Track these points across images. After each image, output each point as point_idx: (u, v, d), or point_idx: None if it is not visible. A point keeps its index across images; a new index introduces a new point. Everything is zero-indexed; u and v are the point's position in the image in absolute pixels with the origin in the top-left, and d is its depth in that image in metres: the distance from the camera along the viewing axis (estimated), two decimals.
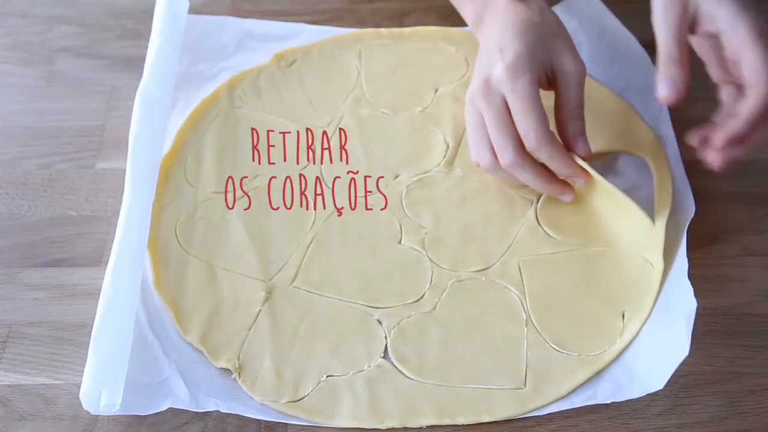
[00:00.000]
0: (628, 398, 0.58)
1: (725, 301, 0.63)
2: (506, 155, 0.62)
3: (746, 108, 0.59)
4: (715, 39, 0.61)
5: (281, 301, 0.63)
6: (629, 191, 0.65)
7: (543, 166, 0.64)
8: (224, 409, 0.57)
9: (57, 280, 0.65)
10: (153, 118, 0.69)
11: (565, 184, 0.65)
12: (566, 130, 0.64)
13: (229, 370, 0.59)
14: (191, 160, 0.71)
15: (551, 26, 0.65)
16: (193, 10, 0.78)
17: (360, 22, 0.81)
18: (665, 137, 0.71)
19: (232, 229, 0.66)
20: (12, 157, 0.72)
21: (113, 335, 0.58)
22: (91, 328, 0.58)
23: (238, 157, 0.71)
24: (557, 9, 0.80)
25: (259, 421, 0.57)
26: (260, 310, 0.62)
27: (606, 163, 0.70)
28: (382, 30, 0.80)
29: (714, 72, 0.64)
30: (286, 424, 0.58)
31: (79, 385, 0.57)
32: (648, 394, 0.58)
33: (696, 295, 0.58)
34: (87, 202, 0.69)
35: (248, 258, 0.65)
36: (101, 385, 0.56)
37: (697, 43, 0.64)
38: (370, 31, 0.80)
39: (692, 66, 0.75)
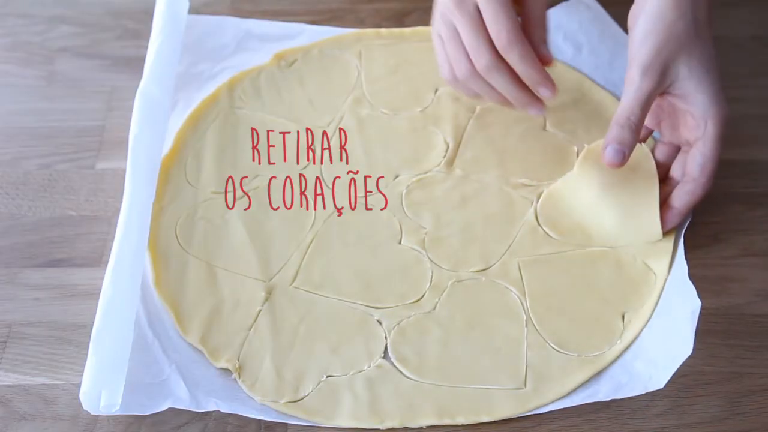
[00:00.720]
0: (628, 395, 0.58)
1: (725, 301, 0.63)
2: (483, 59, 0.63)
3: (681, 204, 0.64)
4: (674, 105, 0.64)
5: (281, 301, 0.63)
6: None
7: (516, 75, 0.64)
8: (224, 409, 0.57)
9: (57, 280, 0.65)
10: (153, 118, 0.69)
11: (535, 95, 0.65)
12: (531, 37, 0.65)
13: (229, 370, 0.60)
14: (191, 160, 0.71)
15: None
16: (193, 10, 0.78)
17: (360, 22, 0.81)
18: None
19: (232, 229, 0.66)
20: (12, 157, 0.72)
21: (113, 335, 0.58)
22: (91, 328, 0.58)
23: (238, 157, 0.71)
24: (557, 11, 0.80)
25: (259, 421, 0.57)
26: (260, 310, 0.62)
27: None
28: (382, 30, 0.80)
29: (664, 131, 0.67)
30: (286, 424, 0.58)
31: (79, 385, 0.57)
32: (648, 394, 0.58)
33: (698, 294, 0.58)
34: (87, 202, 0.69)
35: (248, 258, 0.65)
36: (101, 385, 0.56)
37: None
38: (370, 31, 0.80)
39: None
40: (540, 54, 0.65)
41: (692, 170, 0.63)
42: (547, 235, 0.66)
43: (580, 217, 0.66)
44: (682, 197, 0.64)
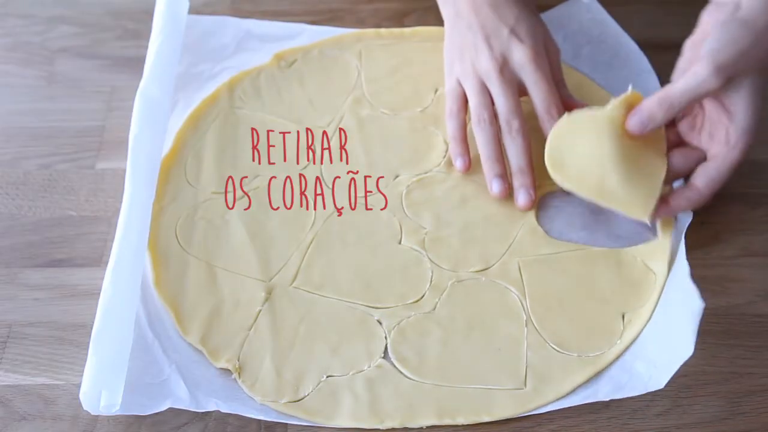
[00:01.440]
0: (628, 396, 0.58)
1: (725, 302, 0.63)
2: (516, 122, 0.67)
3: (676, 205, 0.64)
4: (712, 112, 0.64)
5: (281, 301, 0.63)
6: None
7: None
8: (224, 409, 0.57)
9: (57, 280, 0.65)
10: (153, 119, 0.69)
11: (533, 182, 0.67)
12: (560, 93, 0.69)
13: (229, 370, 0.59)
14: (191, 161, 0.70)
15: (532, 5, 0.72)
16: (194, 10, 0.78)
17: (360, 23, 0.81)
18: None
19: (232, 230, 0.66)
20: (12, 158, 0.72)
21: (113, 335, 0.58)
22: (91, 328, 0.58)
23: (238, 157, 0.71)
24: (559, 10, 0.80)
25: (259, 421, 0.57)
26: (260, 311, 0.62)
27: None
28: (382, 30, 0.80)
29: (679, 122, 0.67)
30: (286, 424, 0.58)
31: (79, 386, 0.57)
32: (648, 394, 0.58)
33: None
34: (87, 202, 0.69)
35: (248, 258, 0.65)
36: (101, 386, 0.56)
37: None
38: (370, 31, 0.79)
39: None
40: (576, 104, 0.69)
41: (700, 182, 0.64)
42: (547, 234, 0.66)
43: (588, 161, 0.64)
44: (680, 201, 0.64)
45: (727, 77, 0.60)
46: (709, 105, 0.64)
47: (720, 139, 0.63)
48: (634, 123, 0.63)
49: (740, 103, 0.61)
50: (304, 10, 0.82)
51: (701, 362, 0.60)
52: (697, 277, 0.61)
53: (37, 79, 0.77)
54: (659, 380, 0.57)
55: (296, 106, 0.74)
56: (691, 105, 0.63)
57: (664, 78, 0.74)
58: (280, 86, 0.76)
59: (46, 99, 0.76)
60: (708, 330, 0.61)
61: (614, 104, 0.64)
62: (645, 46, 0.76)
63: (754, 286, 0.64)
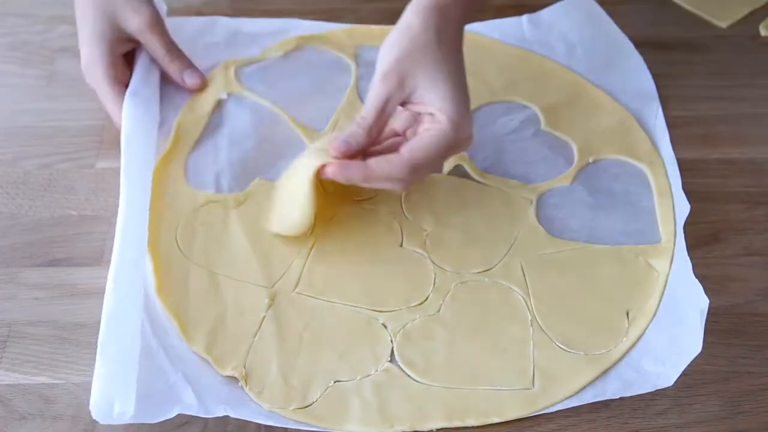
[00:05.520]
0: (637, 393, 0.58)
1: (725, 301, 0.64)
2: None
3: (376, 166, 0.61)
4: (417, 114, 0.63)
5: (285, 307, 0.62)
6: (626, 198, 0.67)
7: None
8: (234, 415, 0.56)
9: (57, 280, 0.64)
10: (143, 117, 0.69)
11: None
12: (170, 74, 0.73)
13: (235, 377, 0.59)
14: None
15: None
16: (195, 10, 0.78)
17: (361, 21, 0.81)
18: (660, 140, 0.71)
19: (233, 234, 0.66)
20: (12, 157, 0.71)
21: (120, 345, 0.57)
22: (92, 327, 0.59)
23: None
24: (552, 10, 0.80)
25: None
26: (264, 317, 0.61)
27: (602, 167, 0.70)
28: (374, 27, 0.79)
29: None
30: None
31: (79, 385, 0.57)
32: (648, 393, 0.58)
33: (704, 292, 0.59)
34: (87, 201, 0.69)
35: (250, 264, 0.64)
36: (112, 396, 0.55)
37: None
38: (361, 27, 0.79)
39: (690, 65, 0.76)
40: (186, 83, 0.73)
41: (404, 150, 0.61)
42: (548, 234, 0.66)
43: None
44: (379, 162, 0.61)
45: (396, 80, 0.61)
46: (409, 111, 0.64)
47: (425, 123, 0.62)
48: (336, 144, 0.61)
49: (428, 94, 0.61)
50: (305, 9, 0.82)
51: (701, 361, 0.60)
52: (698, 277, 0.61)
53: (37, 78, 0.77)
54: (668, 377, 0.58)
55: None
56: (383, 113, 0.62)
57: (660, 77, 0.74)
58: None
59: (47, 98, 0.75)
60: (708, 329, 0.61)
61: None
62: (645, 45, 0.76)
63: (754, 285, 0.65)
